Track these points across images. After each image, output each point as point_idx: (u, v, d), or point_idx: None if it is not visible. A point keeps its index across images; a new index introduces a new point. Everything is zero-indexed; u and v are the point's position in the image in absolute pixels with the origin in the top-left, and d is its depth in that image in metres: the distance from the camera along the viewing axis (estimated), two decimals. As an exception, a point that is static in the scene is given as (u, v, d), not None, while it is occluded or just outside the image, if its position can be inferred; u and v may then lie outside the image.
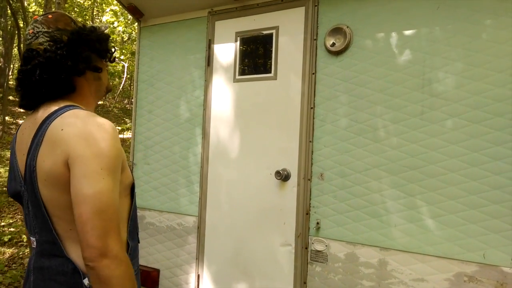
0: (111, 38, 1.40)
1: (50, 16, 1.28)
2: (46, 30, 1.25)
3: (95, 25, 1.37)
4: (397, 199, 2.12)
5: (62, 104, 1.23)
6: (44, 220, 1.17)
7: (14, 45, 17.72)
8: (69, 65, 1.23)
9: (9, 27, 16.33)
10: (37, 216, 1.19)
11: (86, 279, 1.14)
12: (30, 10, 16.56)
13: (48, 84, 1.21)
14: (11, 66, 20.36)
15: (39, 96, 1.24)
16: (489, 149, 1.92)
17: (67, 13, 1.36)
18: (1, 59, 16.55)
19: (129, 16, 10.02)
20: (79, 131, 1.11)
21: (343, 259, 2.26)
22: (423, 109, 2.07)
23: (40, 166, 1.13)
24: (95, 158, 1.08)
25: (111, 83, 1.47)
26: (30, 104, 1.27)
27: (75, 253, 1.16)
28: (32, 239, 1.25)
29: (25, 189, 1.22)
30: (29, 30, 1.26)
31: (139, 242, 1.38)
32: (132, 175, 1.32)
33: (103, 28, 1.38)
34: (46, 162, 1.12)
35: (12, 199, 7.79)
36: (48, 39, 1.23)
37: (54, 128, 1.14)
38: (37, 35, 1.24)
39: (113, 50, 1.41)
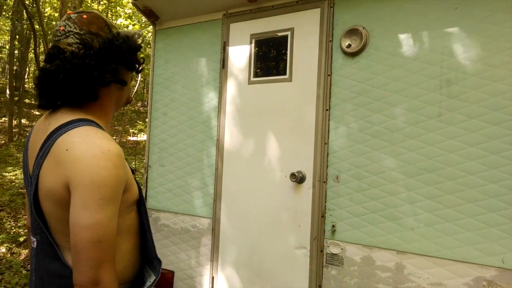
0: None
1: (84, 16, 1.24)
2: (78, 31, 1.21)
3: (129, 32, 1.33)
4: (415, 202, 2.10)
5: (76, 115, 1.20)
6: (43, 223, 1.17)
7: (30, 49, 18.01)
8: (95, 76, 1.19)
9: (25, 31, 16.60)
10: (36, 221, 1.19)
11: None
12: (46, 14, 16.81)
13: (70, 91, 1.18)
14: (27, 69, 20.70)
15: (58, 100, 1.22)
16: (508, 151, 1.89)
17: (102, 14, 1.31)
18: (17, 63, 16.84)
19: (143, 19, 10.09)
20: (82, 156, 1.07)
21: (359, 262, 2.24)
22: (441, 110, 2.05)
23: (42, 179, 1.13)
24: (95, 188, 1.05)
25: (130, 96, 1.45)
26: (49, 105, 1.25)
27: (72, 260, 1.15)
28: (33, 239, 1.24)
29: (29, 189, 1.22)
30: (60, 26, 1.23)
31: (158, 276, 1.33)
32: (140, 188, 1.30)
33: (136, 36, 1.33)
34: (48, 177, 1.12)
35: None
36: (78, 41, 1.20)
37: (59, 146, 1.11)
38: (67, 34, 1.20)
39: (142, 61, 1.36)
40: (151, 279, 1.27)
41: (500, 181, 1.90)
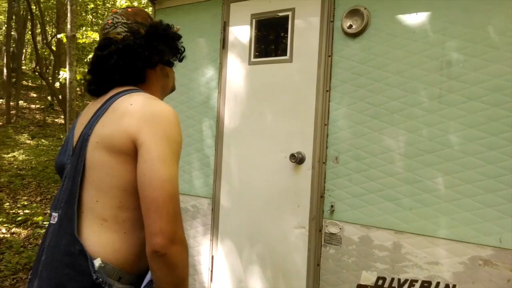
0: None
1: (129, 10, 1.35)
2: (125, 21, 1.30)
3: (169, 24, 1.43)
4: (413, 183, 2.12)
5: (131, 87, 1.27)
6: (73, 190, 1.16)
7: (27, 30, 17.83)
8: (146, 55, 1.26)
9: (22, 12, 16.40)
10: (68, 188, 1.18)
11: (98, 259, 1.10)
12: (42, -5, 16.57)
13: (122, 71, 1.25)
14: (24, 51, 20.52)
15: (111, 81, 1.28)
16: (508, 133, 1.90)
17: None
18: (14, 44, 16.67)
19: (143, 1, 10.00)
20: (150, 111, 1.13)
21: (357, 241, 2.27)
22: (441, 92, 2.05)
23: (96, 131, 1.16)
24: (168, 142, 1.10)
25: (174, 85, 1.52)
26: (100, 89, 1.31)
27: (88, 233, 1.14)
28: (54, 214, 1.21)
29: (69, 162, 1.22)
30: (108, 20, 1.32)
31: None
32: None
33: (175, 28, 1.42)
34: (105, 128, 1.14)
35: (27, 182, 7.93)
36: (126, 29, 1.28)
37: (122, 102, 1.17)
38: (116, 25, 1.29)
39: (183, 49, 1.43)
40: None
41: (498, 162, 1.92)
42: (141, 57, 1.26)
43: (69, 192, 1.18)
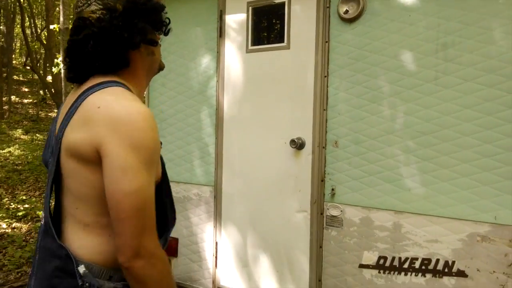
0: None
1: None
2: None
3: None
4: (411, 164, 2.17)
5: (109, 79, 1.16)
6: (48, 195, 1.14)
7: (16, 23, 17.61)
8: (125, 37, 1.14)
9: (10, 5, 16.18)
10: (47, 192, 1.16)
11: (82, 266, 1.08)
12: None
13: (101, 57, 1.13)
14: (13, 45, 20.27)
15: (90, 69, 1.17)
16: (503, 112, 1.95)
17: None
18: (3, 39, 16.48)
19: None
20: (117, 115, 1.02)
21: (358, 223, 2.33)
22: (437, 74, 2.10)
23: (66, 137, 1.09)
24: (134, 150, 1.00)
25: (162, 62, 1.38)
26: (79, 77, 1.20)
27: (72, 237, 1.13)
28: (44, 214, 1.19)
29: (50, 160, 1.18)
30: None
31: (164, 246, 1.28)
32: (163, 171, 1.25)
33: None
34: (73, 133, 1.07)
35: (25, 176, 7.94)
36: (101, 7, 1.16)
37: (90, 103, 1.07)
38: (89, 1, 1.22)
39: (168, 21, 1.29)
40: None
41: (494, 141, 1.97)
42: (121, 39, 1.13)
43: (46, 196, 1.15)
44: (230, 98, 2.81)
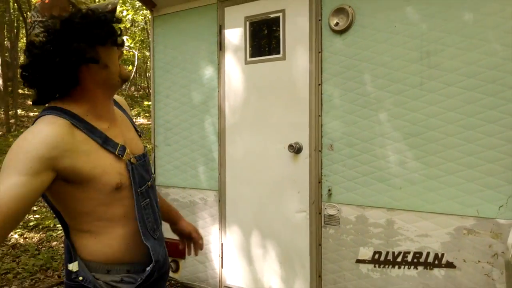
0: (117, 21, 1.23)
1: (47, 1, 1.18)
2: (40, 19, 1.16)
3: (99, 4, 1.23)
4: (401, 164, 2.33)
5: (52, 104, 1.20)
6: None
7: (20, 37, 17.91)
8: (58, 61, 1.11)
9: (14, 20, 16.48)
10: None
11: (72, 264, 1.25)
12: (34, 0, 16.65)
13: (43, 83, 1.16)
14: (18, 59, 20.57)
15: (42, 92, 1.20)
16: (482, 113, 2.11)
17: None
18: (7, 53, 16.77)
19: (137, 4, 10.09)
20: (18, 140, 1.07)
21: (353, 221, 2.48)
22: (422, 80, 2.26)
23: None
24: (6, 158, 1.05)
25: (126, 70, 1.31)
26: (40, 100, 1.23)
27: (73, 239, 1.29)
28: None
29: None
30: (28, 20, 1.20)
31: (156, 239, 1.38)
32: (134, 176, 1.30)
33: (109, 6, 1.23)
34: None
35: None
36: (43, 29, 1.13)
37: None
38: (33, 25, 1.17)
39: (119, 32, 1.23)
40: (149, 268, 1.31)
41: (476, 141, 2.13)
42: (54, 64, 1.11)
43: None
44: (231, 107, 2.98)
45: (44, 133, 1.07)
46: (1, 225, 0.97)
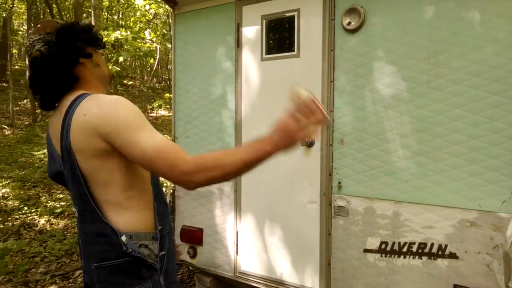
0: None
1: (39, 25, 1.46)
2: (38, 37, 1.41)
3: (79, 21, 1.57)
4: (408, 159, 2.43)
5: (77, 94, 1.40)
6: (83, 192, 1.36)
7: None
8: (62, 57, 1.38)
9: (40, 12, 16.90)
10: (76, 190, 1.39)
11: (124, 236, 1.35)
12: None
13: (52, 80, 1.39)
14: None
15: (53, 94, 1.43)
16: (488, 111, 2.19)
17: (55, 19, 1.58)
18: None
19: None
20: (101, 110, 1.28)
21: (362, 212, 2.60)
22: (429, 78, 2.35)
23: (75, 145, 1.32)
24: (127, 121, 1.27)
25: (110, 70, 1.65)
26: (49, 104, 1.46)
27: (112, 217, 1.37)
28: (74, 209, 1.47)
29: (63, 168, 1.42)
30: (26, 43, 1.44)
31: (166, 205, 1.59)
32: None
33: (86, 21, 1.59)
34: (80, 141, 1.31)
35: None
36: (42, 43, 1.40)
37: (78, 115, 1.31)
38: (33, 44, 1.42)
39: (100, 37, 1.55)
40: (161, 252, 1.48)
41: (480, 137, 2.22)
42: (60, 60, 1.37)
43: (78, 192, 1.38)
44: (248, 102, 3.12)
45: (120, 98, 1.34)
46: (182, 152, 1.27)
